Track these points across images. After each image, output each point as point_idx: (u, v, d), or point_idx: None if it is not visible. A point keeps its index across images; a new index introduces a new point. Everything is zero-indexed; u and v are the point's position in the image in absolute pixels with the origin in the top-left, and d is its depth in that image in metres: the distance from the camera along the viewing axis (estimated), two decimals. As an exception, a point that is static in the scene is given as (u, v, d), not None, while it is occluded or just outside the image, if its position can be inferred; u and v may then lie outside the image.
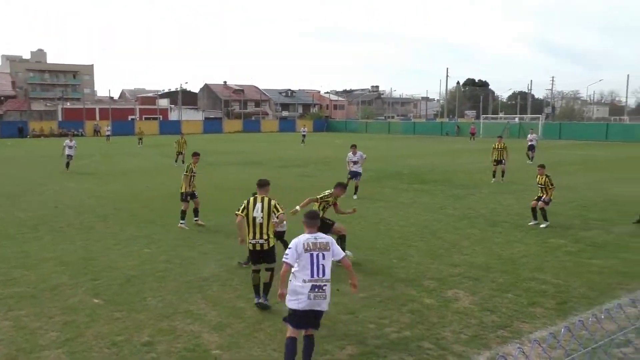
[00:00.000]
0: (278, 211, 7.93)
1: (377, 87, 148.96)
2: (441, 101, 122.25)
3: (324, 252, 5.91)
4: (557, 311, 7.69)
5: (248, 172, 25.60)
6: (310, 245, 5.90)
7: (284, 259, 5.90)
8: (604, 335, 3.58)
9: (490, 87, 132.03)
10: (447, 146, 48.55)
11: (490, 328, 7.07)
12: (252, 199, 8.02)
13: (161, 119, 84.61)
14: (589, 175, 23.88)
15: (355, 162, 18.51)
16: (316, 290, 5.79)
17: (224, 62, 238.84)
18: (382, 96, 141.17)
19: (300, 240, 5.94)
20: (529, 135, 33.06)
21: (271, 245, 7.90)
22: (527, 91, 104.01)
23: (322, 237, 6.06)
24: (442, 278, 9.18)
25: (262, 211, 7.82)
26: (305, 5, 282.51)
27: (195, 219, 13.47)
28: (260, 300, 7.79)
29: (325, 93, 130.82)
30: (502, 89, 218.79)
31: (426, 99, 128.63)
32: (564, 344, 6.05)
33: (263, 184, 8.21)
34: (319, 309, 5.90)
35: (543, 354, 5.38)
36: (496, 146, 22.19)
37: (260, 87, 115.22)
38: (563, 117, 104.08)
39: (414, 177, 23.62)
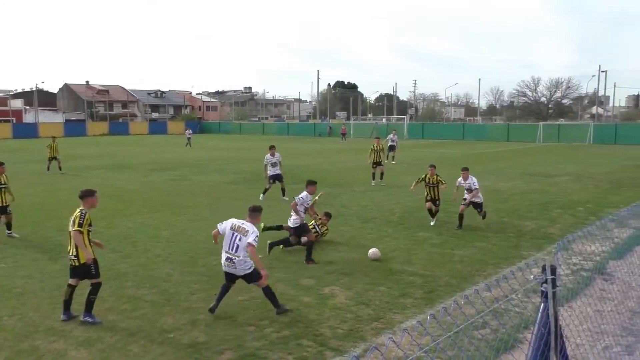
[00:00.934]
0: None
1: (250, 88, 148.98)
2: (313, 103, 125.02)
3: (242, 236, 7.50)
4: (425, 300, 8.21)
5: (116, 177, 24.28)
6: (236, 227, 7.65)
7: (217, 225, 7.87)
8: (464, 320, 3.89)
9: (359, 89, 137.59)
10: (320, 146, 49.82)
11: (366, 321, 7.37)
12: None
13: (14, 121, 77.39)
14: (444, 171, 25.77)
15: (274, 164, 17.48)
16: (227, 260, 7.54)
17: (85, 60, 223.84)
18: (255, 97, 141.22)
19: (232, 221, 7.75)
20: (389, 136, 33.34)
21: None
22: (392, 93, 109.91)
23: (247, 225, 7.62)
24: (319, 276, 9.39)
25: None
26: (175, 4, 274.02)
27: (8, 232, 12.50)
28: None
29: (197, 94, 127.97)
30: (370, 91, 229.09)
31: (299, 100, 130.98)
32: (430, 330, 6.49)
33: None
34: (232, 273, 7.58)
35: (413, 342, 5.71)
36: (374, 147, 21.67)
37: (127, 88, 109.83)
38: (425, 118, 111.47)
39: (288, 177, 23.80)
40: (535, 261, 9.91)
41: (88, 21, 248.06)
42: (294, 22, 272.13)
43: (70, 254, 7.32)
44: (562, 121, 77.42)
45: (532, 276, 2.81)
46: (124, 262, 10.27)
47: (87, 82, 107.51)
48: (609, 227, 10.28)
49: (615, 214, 12.35)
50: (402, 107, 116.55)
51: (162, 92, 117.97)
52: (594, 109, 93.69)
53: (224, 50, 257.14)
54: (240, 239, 7.49)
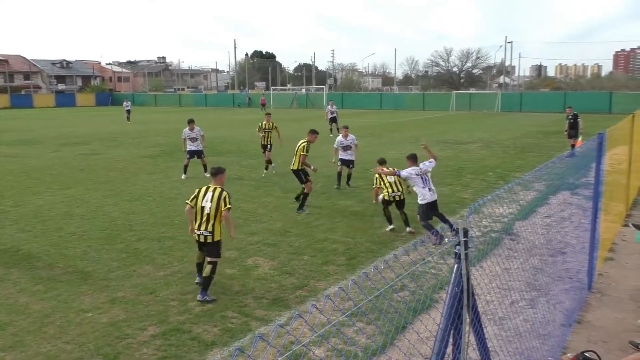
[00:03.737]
0: (225, 205, 7.23)
1: (164, 58, 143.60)
2: (231, 73, 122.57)
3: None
4: (348, 267, 8.43)
5: (22, 153, 22.79)
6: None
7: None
8: (384, 284, 4.04)
9: (277, 59, 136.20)
10: (239, 117, 49.10)
11: (290, 290, 7.47)
12: (204, 188, 7.46)
13: None
14: (363, 140, 26.32)
15: (193, 139, 16.40)
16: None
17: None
18: (170, 68, 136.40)
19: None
20: (327, 107, 31.73)
21: (216, 239, 7.29)
22: (311, 63, 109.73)
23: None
24: (242, 247, 9.38)
25: (211, 201, 7.26)
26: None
27: None
28: (198, 282, 7.54)
29: (107, 64, 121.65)
30: (289, 61, 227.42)
31: (216, 70, 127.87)
32: (352, 295, 6.70)
33: (216, 173, 7.66)
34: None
35: (335, 308, 5.88)
36: (263, 126, 17.96)
37: (29, 57, 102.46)
38: (344, 88, 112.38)
39: (208, 150, 23.42)
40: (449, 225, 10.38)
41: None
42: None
43: (204, 229, 7.24)
44: (472, 90, 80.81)
45: (446, 239, 2.96)
46: (34, 242, 9.75)
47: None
48: (516, 191, 10.94)
49: (521, 178, 13.16)
50: (321, 77, 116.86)
51: (69, 62, 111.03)
52: (501, 79, 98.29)
53: (135, 17, 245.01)
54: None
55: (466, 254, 2.91)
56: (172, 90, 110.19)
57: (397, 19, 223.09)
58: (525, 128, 34.33)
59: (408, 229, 10.29)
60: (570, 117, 20.76)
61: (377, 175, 10.78)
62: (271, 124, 17.95)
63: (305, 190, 12.12)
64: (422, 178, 9.88)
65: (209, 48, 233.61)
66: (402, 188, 10.46)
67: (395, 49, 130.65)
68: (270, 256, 8.93)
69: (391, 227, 10.44)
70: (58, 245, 9.55)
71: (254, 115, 51.77)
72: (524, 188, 12.21)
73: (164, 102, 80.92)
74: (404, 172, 9.95)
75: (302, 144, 12.36)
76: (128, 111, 44.44)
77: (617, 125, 9.29)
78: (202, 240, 7.32)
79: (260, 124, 18.16)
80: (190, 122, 16.48)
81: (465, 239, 2.89)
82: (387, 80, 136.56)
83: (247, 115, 51.64)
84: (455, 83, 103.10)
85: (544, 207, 11.18)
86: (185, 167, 16.56)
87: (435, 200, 10.00)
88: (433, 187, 10.00)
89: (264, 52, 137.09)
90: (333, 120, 30.35)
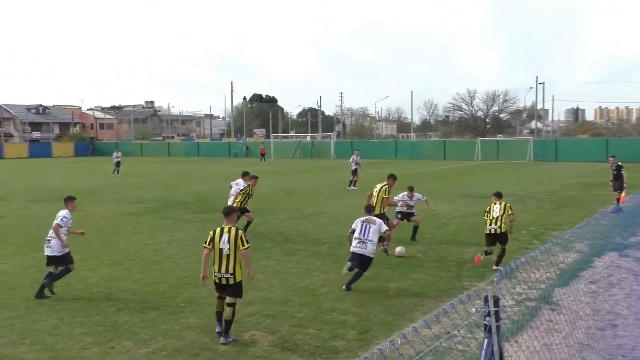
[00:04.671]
0: (243, 245, 8.21)
1: (152, 102, 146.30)
2: (227, 119, 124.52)
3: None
4: (359, 341, 8.27)
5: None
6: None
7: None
8: (403, 362, 3.94)
9: (279, 103, 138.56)
10: (236, 168, 49.32)
11: (292, 369, 7.31)
12: (218, 229, 8.36)
13: None
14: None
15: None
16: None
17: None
18: (158, 113, 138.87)
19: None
20: (352, 157, 31.71)
21: (237, 280, 8.24)
22: (317, 108, 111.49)
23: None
24: (237, 319, 9.21)
25: (228, 242, 8.17)
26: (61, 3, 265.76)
27: None
28: (219, 330, 8.31)
29: (88, 109, 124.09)
30: (292, 106, 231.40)
31: (210, 116, 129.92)
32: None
33: (229, 212, 8.73)
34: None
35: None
36: (247, 190, 16.77)
37: (0, 102, 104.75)
38: (354, 134, 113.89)
39: (200, 206, 23.55)
40: (477, 292, 10.25)
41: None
42: (204, 28, 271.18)
43: (225, 271, 8.15)
44: (500, 137, 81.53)
45: (474, 309, 2.91)
46: (-3, 314, 9.66)
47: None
48: (554, 252, 10.83)
49: (559, 237, 13.05)
50: (329, 123, 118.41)
51: (45, 108, 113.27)
52: (533, 124, 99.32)
53: (120, 58, 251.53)
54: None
55: (498, 327, 2.85)
56: (161, 138, 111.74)
57: (413, 59, 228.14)
58: (562, 180, 34.38)
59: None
60: (614, 167, 20.81)
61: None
62: (251, 189, 16.97)
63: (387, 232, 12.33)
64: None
65: (202, 91, 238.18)
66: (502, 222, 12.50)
67: (412, 92, 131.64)
68: (269, 330, 8.79)
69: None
70: (24, 318, 9.45)
71: (253, 166, 52.16)
72: (563, 249, 12.05)
73: (151, 151, 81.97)
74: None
75: (384, 187, 14.24)
76: (118, 163, 42.98)
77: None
78: (223, 282, 8.22)
79: (248, 187, 16.83)
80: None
81: (496, 308, 2.84)
82: (403, 126, 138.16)
83: (244, 167, 51.69)
84: (481, 129, 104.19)
85: (587, 271, 11.03)
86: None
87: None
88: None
89: (263, 96, 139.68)
90: (354, 173, 30.22)
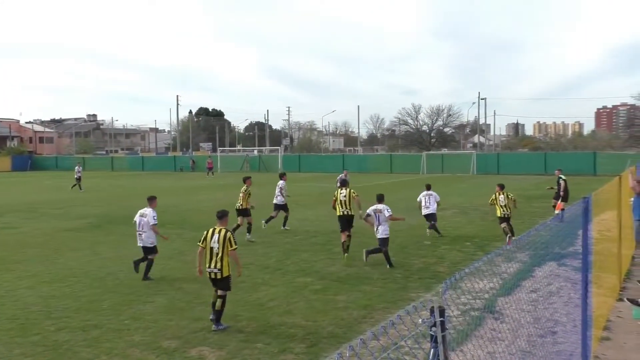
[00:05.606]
0: (232, 246, 9.45)
1: (94, 116, 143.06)
2: (173, 133, 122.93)
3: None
4: (308, 355, 8.25)
5: None
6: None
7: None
8: (352, 374, 3.95)
9: (225, 117, 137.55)
10: (182, 183, 48.83)
11: (240, 385, 7.22)
12: (210, 230, 9.65)
13: None
14: (325, 208, 26.44)
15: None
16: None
17: None
18: (101, 127, 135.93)
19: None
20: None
21: (225, 275, 9.44)
22: (264, 122, 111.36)
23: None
24: (183, 336, 9.10)
25: (218, 242, 9.43)
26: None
27: None
28: (212, 318, 9.42)
29: (27, 123, 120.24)
30: (239, 120, 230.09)
31: (155, 130, 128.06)
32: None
33: (222, 215, 9.92)
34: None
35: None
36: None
37: None
38: (301, 148, 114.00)
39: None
40: (423, 303, 10.38)
41: None
42: (149, 40, 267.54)
43: (214, 267, 9.44)
44: (445, 151, 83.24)
45: (420, 320, 2.95)
46: None
47: None
48: (497, 262, 11.09)
49: (501, 248, 13.38)
50: (276, 136, 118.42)
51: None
52: (475, 138, 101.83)
53: (60, 69, 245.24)
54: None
55: (443, 337, 2.91)
56: (104, 152, 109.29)
57: (359, 74, 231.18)
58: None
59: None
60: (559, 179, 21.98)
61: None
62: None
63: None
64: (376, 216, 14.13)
65: (147, 105, 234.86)
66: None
67: (359, 106, 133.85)
68: (217, 345, 8.68)
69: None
70: (-42, 339, 9.04)
71: (199, 180, 51.61)
72: (506, 259, 12.38)
73: (93, 165, 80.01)
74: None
75: (350, 190, 15.70)
76: (78, 178, 41.93)
77: (603, 188, 9.67)
78: (212, 276, 9.50)
79: (246, 189, 18.81)
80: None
81: (441, 319, 2.89)
82: (350, 140, 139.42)
83: (191, 181, 51.42)
84: (426, 143, 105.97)
85: (528, 280, 11.32)
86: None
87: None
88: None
89: (210, 110, 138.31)
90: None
